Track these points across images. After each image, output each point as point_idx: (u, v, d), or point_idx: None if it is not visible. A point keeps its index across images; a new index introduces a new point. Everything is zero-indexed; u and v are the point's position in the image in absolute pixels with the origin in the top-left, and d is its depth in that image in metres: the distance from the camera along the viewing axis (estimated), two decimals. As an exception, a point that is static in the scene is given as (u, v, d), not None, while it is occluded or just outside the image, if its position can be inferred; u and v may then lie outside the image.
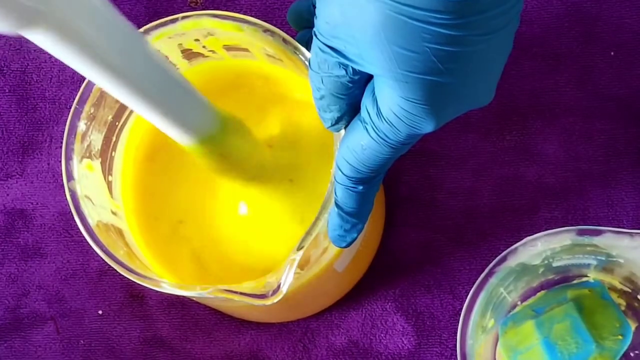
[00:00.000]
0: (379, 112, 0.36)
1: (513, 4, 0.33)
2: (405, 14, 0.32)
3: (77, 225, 0.44)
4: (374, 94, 0.37)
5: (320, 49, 0.36)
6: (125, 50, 0.35)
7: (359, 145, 0.38)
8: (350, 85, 0.37)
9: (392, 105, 0.36)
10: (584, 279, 0.52)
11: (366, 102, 0.37)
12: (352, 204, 0.41)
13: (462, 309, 0.48)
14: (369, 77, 0.37)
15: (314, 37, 0.37)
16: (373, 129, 0.37)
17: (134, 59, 0.35)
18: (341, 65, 0.36)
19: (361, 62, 0.35)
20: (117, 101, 0.47)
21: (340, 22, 0.35)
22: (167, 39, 0.45)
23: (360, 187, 0.40)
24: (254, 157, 0.45)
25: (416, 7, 0.32)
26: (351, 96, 0.38)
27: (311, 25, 0.42)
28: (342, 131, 0.41)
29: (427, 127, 0.36)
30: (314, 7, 0.37)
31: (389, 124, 0.36)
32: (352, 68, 0.36)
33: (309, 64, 0.38)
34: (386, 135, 0.37)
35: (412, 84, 0.34)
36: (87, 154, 0.46)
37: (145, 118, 0.38)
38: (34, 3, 0.29)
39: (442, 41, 0.33)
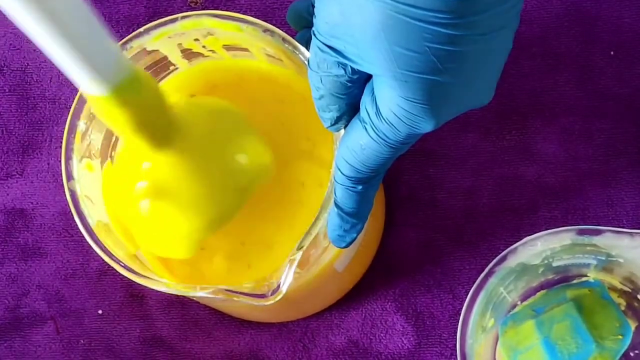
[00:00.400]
0: (378, 112, 0.36)
1: (514, 4, 0.33)
2: (406, 14, 0.32)
3: (77, 225, 0.44)
4: (373, 93, 0.37)
5: (319, 48, 0.36)
6: None
7: (358, 145, 0.38)
8: (350, 84, 0.37)
9: (391, 105, 0.36)
10: (584, 278, 0.52)
11: (365, 102, 0.37)
12: (352, 204, 0.41)
13: (462, 308, 0.48)
14: (368, 77, 0.37)
15: (313, 36, 0.37)
16: (372, 128, 0.37)
17: None
18: (340, 65, 0.36)
19: (360, 62, 0.35)
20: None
21: (339, 22, 0.35)
22: (166, 39, 0.45)
23: (360, 187, 0.40)
24: (165, 114, 0.40)
25: (417, 6, 0.32)
26: (350, 96, 0.38)
27: (310, 24, 0.42)
28: (342, 131, 0.41)
29: (427, 126, 0.36)
30: (313, 6, 0.37)
31: (388, 124, 0.36)
32: (351, 67, 0.36)
33: (308, 63, 0.38)
34: (386, 135, 0.37)
35: (412, 83, 0.34)
36: (87, 154, 0.46)
37: (51, 57, 0.34)
38: None
39: (442, 41, 0.33)
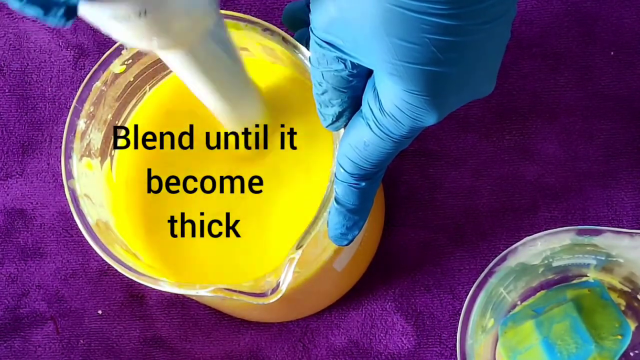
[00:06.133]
0: (381, 107, 0.37)
1: None
2: (404, 6, 0.32)
3: (77, 225, 0.44)
4: (375, 89, 0.37)
5: (317, 44, 0.36)
6: (230, 74, 0.41)
7: (361, 143, 0.38)
8: (351, 78, 0.37)
9: (394, 99, 0.36)
10: (584, 278, 0.52)
11: (368, 98, 0.37)
12: (355, 200, 0.41)
13: (462, 309, 0.48)
14: (370, 69, 0.37)
15: (311, 33, 0.37)
16: (376, 124, 0.37)
17: (234, 80, 0.42)
18: (340, 60, 0.36)
19: (359, 56, 0.35)
20: (116, 100, 0.47)
21: (336, 17, 0.35)
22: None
23: (363, 184, 0.40)
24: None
25: None
26: (352, 89, 0.38)
27: (306, 25, 0.42)
28: (341, 131, 0.41)
29: (430, 119, 0.36)
30: (308, 7, 0.37)
31: (391, 118, 0.36)
32: (351, 62, 0.36)
33: (309, 60, 0.38)
34: (389, 130, 0.37)
35: (413, 75, 0.34)
36: (87, 153, 0.46)
37: (215, 109, 0.43)
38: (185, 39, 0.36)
39: (441, 31, 0.33)
